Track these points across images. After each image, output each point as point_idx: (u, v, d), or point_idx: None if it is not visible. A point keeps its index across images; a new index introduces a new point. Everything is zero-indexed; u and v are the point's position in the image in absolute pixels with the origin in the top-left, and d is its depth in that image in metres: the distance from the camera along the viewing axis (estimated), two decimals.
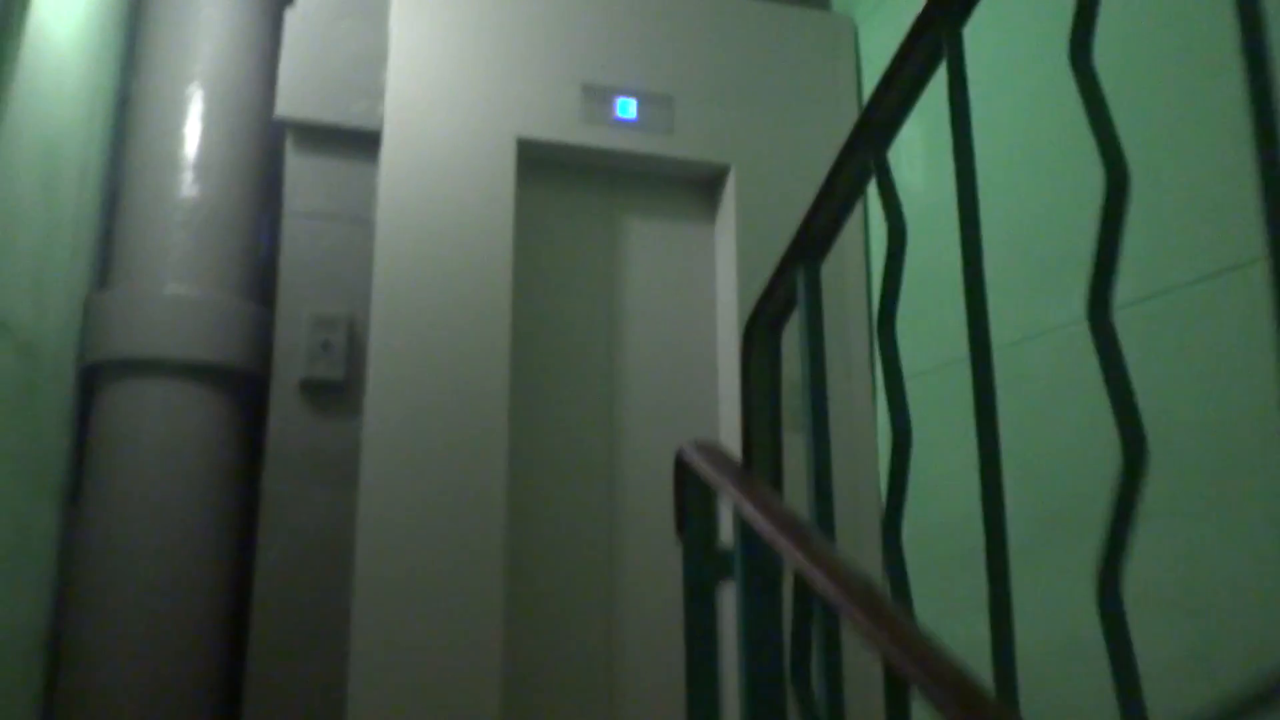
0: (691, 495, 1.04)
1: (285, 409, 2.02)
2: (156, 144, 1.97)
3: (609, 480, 2.16)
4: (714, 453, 0.98)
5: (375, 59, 2.19)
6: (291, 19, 2.15)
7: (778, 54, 2.48)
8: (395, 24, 2.18)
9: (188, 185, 1.96)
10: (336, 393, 2.05)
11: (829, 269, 2.24)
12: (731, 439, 2.16)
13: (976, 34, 1.72)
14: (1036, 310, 1.61)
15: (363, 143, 2.16)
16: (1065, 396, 1.51)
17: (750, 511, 0.85)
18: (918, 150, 2.22)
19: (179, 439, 1.83)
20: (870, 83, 2.45)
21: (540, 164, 2.34)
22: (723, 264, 2.41)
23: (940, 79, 0.91)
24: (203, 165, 1.97)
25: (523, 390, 2.18)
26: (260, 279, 2.08)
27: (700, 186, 2.48)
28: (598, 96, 2.30)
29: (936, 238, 1.97)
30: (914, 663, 0.58)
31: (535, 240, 2.30)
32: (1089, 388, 1.44)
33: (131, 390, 1.82)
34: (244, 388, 2.02)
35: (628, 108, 2.34)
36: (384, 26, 2.20)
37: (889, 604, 0.65)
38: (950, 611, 1.58)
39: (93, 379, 1.89)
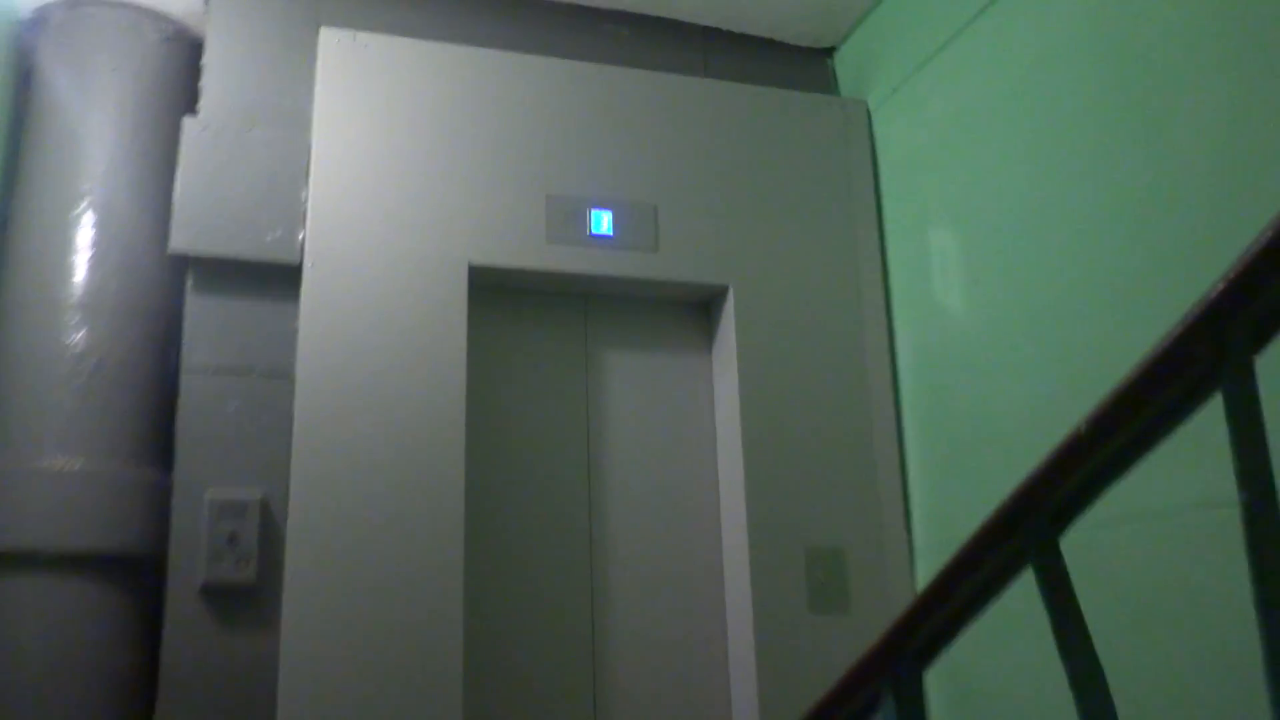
0: None
1: (182, 620, 1.94)
2: (36, 278, 1.94)
3: (592, 667, 2.16)
4: None
5: (293, 177, 2.17)
6: (190, 130, 2.10)
7: (780, 148, 2.51)
8: (318, 133, 2.16)
9: (73, 330, 1.94)
10: (246, 600, 1.98)
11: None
12: (741, 606, 2.18)
13: None
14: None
15: (279, 279, 2.13)
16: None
17: None
18: (953, 258, 2.25)
19: (60, 649, 1.78)
20: (888, 177, 2.49)
21: (499, 293, 2.34)
22: (723, 401, 2.41)
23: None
24: (91, 306, 1.94)
25: (482, 580, 2.15)
26: (163, 443, 2.05)
27: (692, 311, 2.50)
28: (566, 210, 2.32)
29: (981, 379, 2.06)
30: None
31: (495, 384, 2.29)
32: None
33: (1, 589, 1.76)
34: (144, 577, 1.95)
35: (602, 221, 2.35)
36: (304, 137, 2.18)
37: None
38: None
39: None
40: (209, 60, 2.18)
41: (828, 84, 2.68)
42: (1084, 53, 1.84)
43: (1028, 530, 0.79)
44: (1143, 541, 1.62)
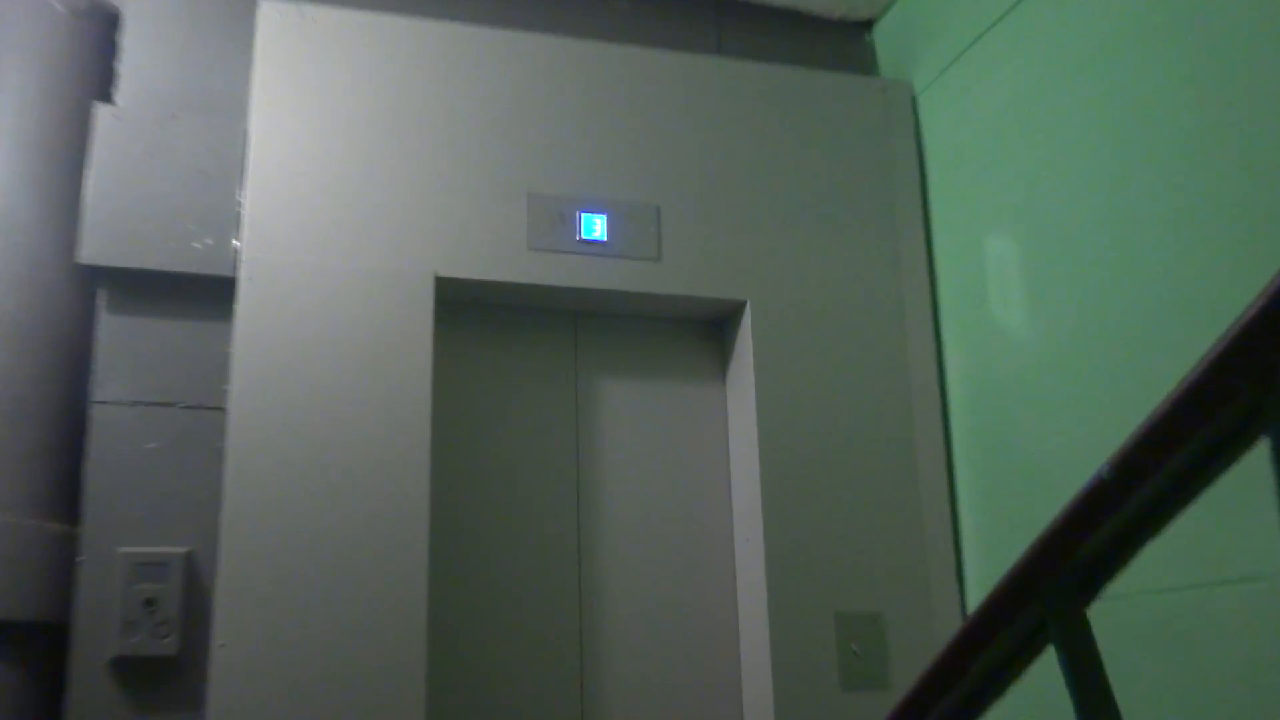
0: None
1: (88, 700, 1.93)
2: None
3: None
4: None
5: (227, 174, 2.17)
6: (104, 119, 2.08)
7: (808, 138, 2.55)
8: (257, 122, 2.17)
9: None
10: (165, 675, 1.98)
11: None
12: (759, 683, 2.20)
13: None
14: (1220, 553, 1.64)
15: (209, 295, 2.15)
16: None
17: None
18: (1013, 270, 2.26)
19: None
20: (936, 173, 2.51)
21: (472, 310, 2.37)
22: (739, 438, 2.44)
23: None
24: None
25: (450, 652, 2.16)
26: (68, 490, 2.06)
27: (701, 331, 2.53)
28: (551, 211, 2.34)
29: (1048, 414, 2.07)
30: None
31: (467, 418, 2.32)
32: None
33: None
34: (43, 649, 1.96)
35: (594, 225, 2.38)
36: (240, 126, 2.18)
37: None
38: None
39: None
40: (127, 38, 2.18)
41: (865, 63, 2.71)
42: (1169, 24, 1.82)
43: (1047, 596, 0.77)
44: (1243, 608, 1.64)
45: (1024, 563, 0.79)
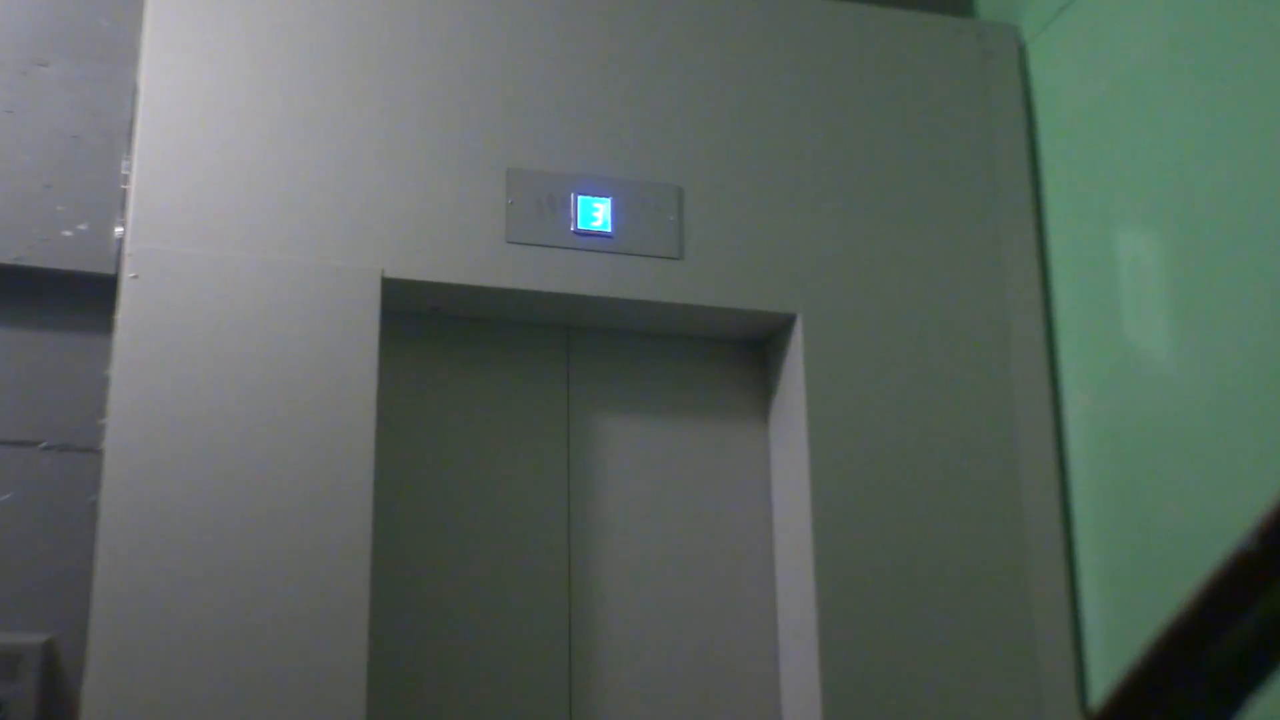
0: None
1: None
2: None
3: None
4: None
5: (109, 140, 2.20)
6: None
7: (881, 98, 2.60)
8: (150, 74, 2.21)
9: None
10: None
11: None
12: None
13: None
14: None
15: (82, 299, 2.17)
16: None
17: None
18: (1153, 274, 2.32)
19: None
20: (1050, 144, 2.57)
21: (431, 323, 2.43)
22: (785, 492, 2.50)
23: None
24: None
25: None
26: None
27: (737, 354, 2.59)
28: (538, 193, 2.39)
29: (1201, 468, 2.10)
30: None
31: (423, 461, 2.37)
32: None
33: None
34: None
35: (595, 212, 2.42)
36: (126, 79, 2.23)
37: None
38: None
39: None
40: None
41: (959, 0, 2.77)
42: None
43: (1175, 710, 0.78)
44: None
45: (1143, 665, 0.80)
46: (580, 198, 2.42)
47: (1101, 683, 2.34)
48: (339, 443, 2.15)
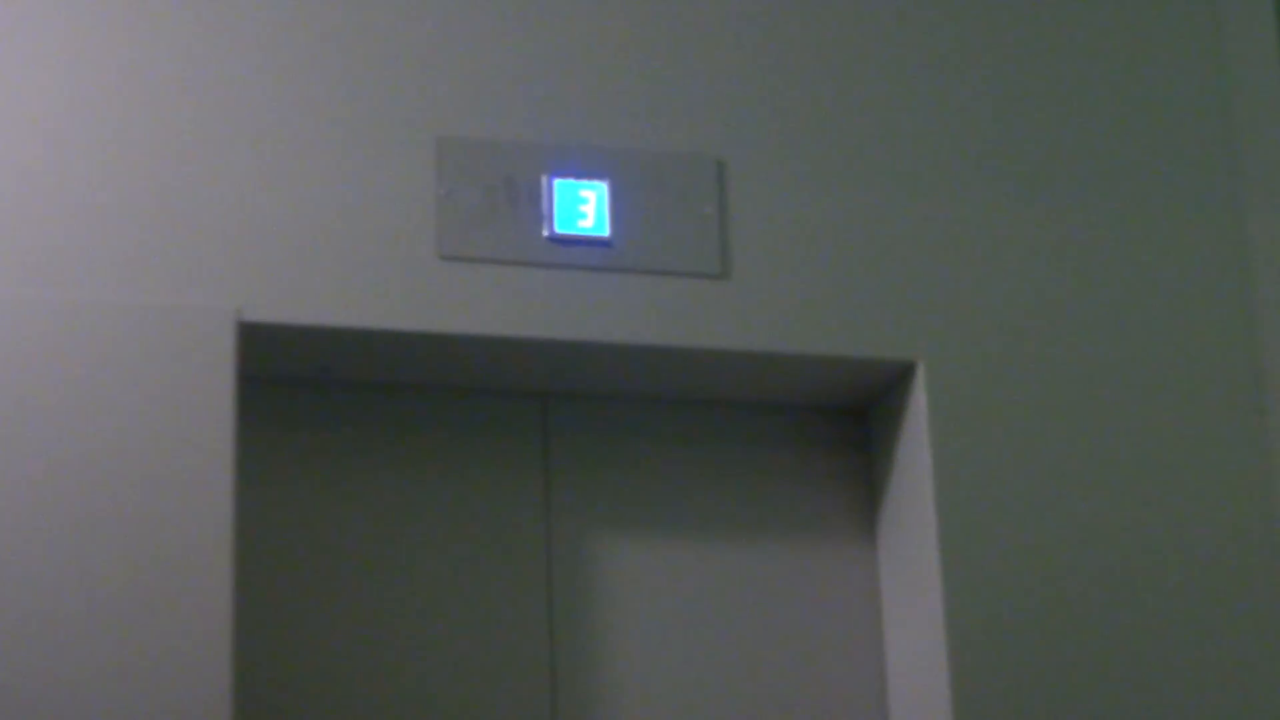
0: None
1: None
2: None
3: None
4: None
5: None
6: None
7: (1046, 29, 2.42)
8: None
9: None
10: None
11: None
12: None
13: None
14: None
15: None
16: None
17: None
18: None
19: None
20: (1255, 123, 2.48)
21: (321, 393, 2.22)
22: (903, 616, 2.25)
23: None
24: None
25: None
26: None
27: (821, 425, 2.37)
28: (489, 176, 2.11)
29: None
30: None
31: (310, 597, 2.17)
32: None
33: None
34: None
35: (581, 205, 2.11)
36: None
37: None
38: None
39: None
40: None
41: None
42: None
43: None
44: None
45: None
46: (558, 181, 2.10)
47: None
48: (180, 547, 1.96)
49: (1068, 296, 2.29)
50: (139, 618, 1.92)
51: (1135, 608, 2.21)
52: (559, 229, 2.07)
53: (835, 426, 2.34)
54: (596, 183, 2.09)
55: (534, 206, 2.07)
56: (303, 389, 2.16)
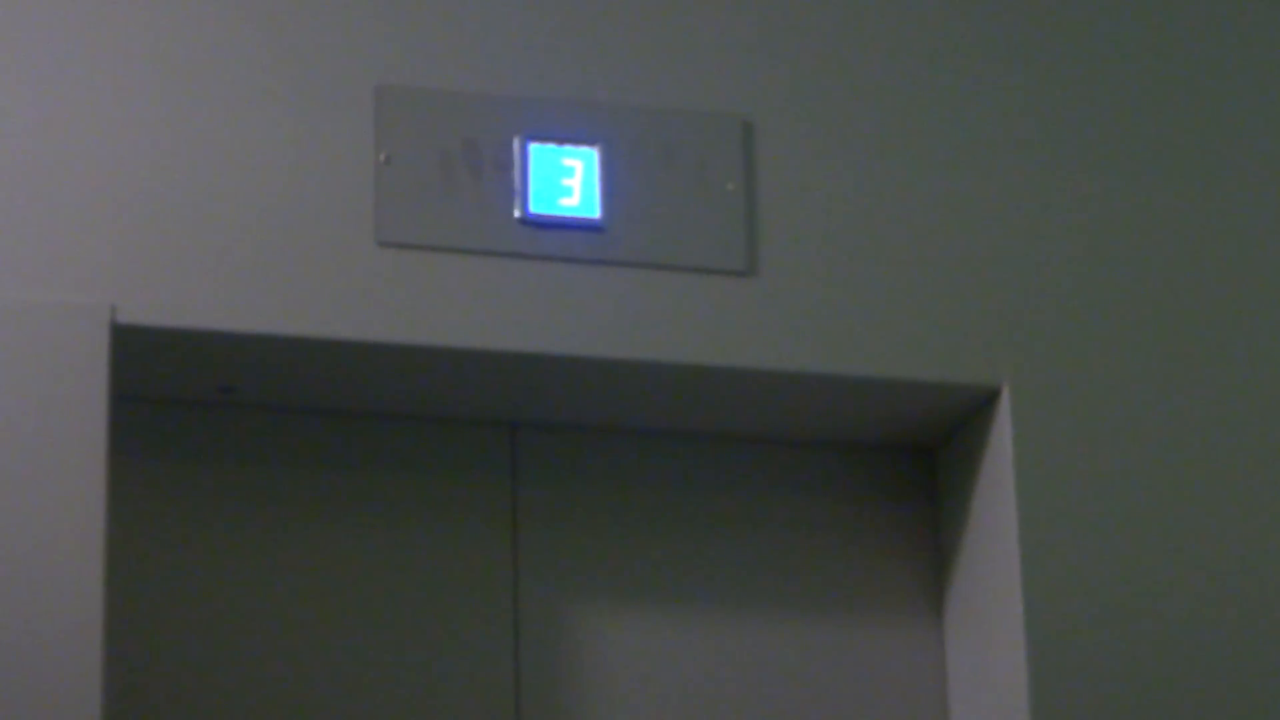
0: None
1: None
2: None
3: None
4: None
5: None
6: None
7: None
8: None
9: None
10: None
11: None
12: None
13: None
14: None
15: None
16: None
17: None
18: None
19: None
20: None
21: (223, 419, 2.05)
22: (974, 707, 2.09)
23: None
24: None
25: None
26: None
27: (878, 466, 2.22)
28: (443, 139, 1.92)
29: None
30: None
31: (215, 664, 1.99)
32: None
33: None
34: None
35: (565, 178, 1.93)
36: None
37: None
38: None
39: None
40: None
41: None
42: None
43: None
44: None
45: None
46: (534, 146, 1.89)
47: None
48: (49, 600, 1.75)
49: (1191, 304, 2.09)
50: None
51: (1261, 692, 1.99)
52: (535, 208, 1.85)
53: (893, 468, 2.15)
54: (584, 149, 1.89)
55: (503, 179, 1.86)
56: (197, 411, 1.93)
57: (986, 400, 1.96)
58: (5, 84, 1.84)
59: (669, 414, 2.02)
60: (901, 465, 2.13)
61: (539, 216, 1.82)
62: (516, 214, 1.81)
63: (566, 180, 1.85)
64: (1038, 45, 2.17)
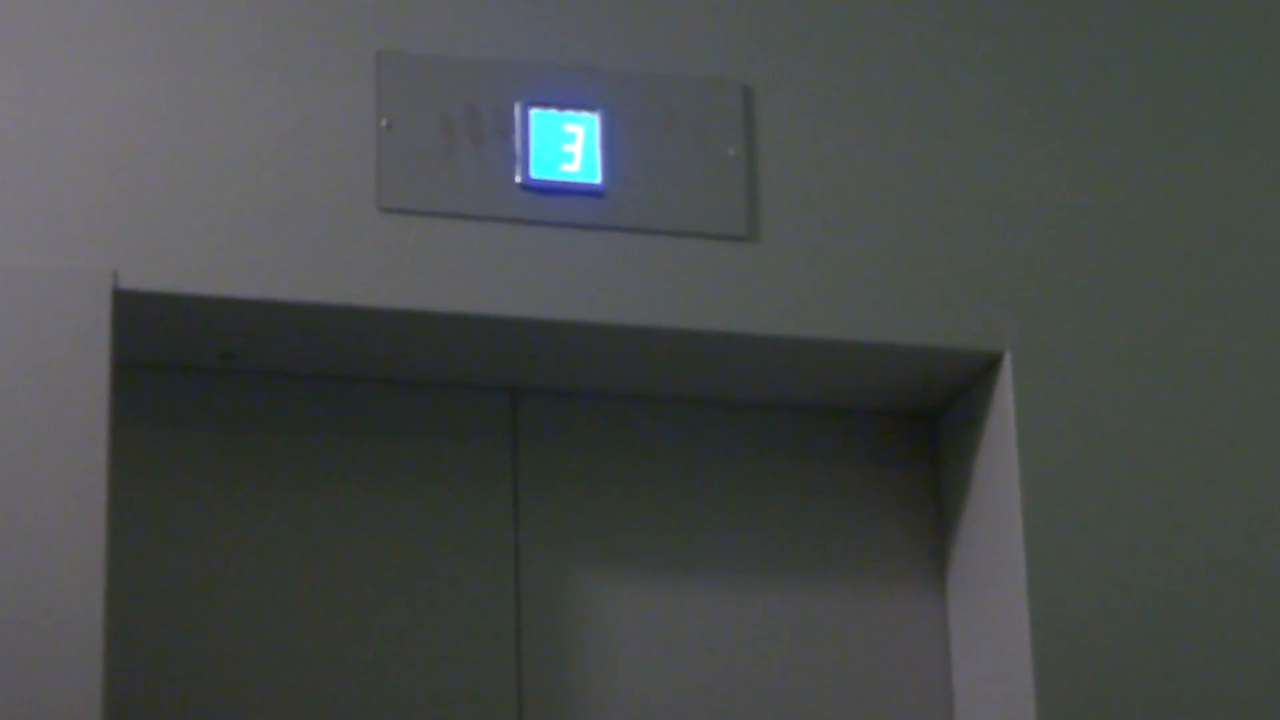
0: None
1: None
2: None
3: None
4: None
5: None
6: None
7: None
8: None
9: None
10: None
11: None
12: None
13: None
14: None
15: None
16: None
17: None
18: None
19: None
20: None
21: (226, 387, 2.05)
22: (976, 680, 2.10)
23: None
24: None
25: None
26: None
27: (874, 429, 2.23)
28: (444, 104, 1.93)
29: None
30: None
31: (215, 633, 2.00)
32: None
33: None
34: None
35: (565, 144, 1.95)
36: None
37: None
38: None
39: None
40: None
41: None
42: None
43: None
44: None
45: None
46: (535, 112, 1.91)
47: None
48: (51, 578, 1.76)
49: (1194, 269, 2.09)
50: None
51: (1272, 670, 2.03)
52: (536, 174, 1.86)
53: (895, 433, 2.16)
54: (585, 114, 1.90)
55: (504, 145, 1.87)
56: (198, 377, 1.94)
57: (988, 366, 1.96)
58: (5, 51, 1.84)
59: (670, 379, 2.02)
60: (904, 431, 2.13)
61: (540, 182, 1.84)
62: (518, 179, 1.83)
63: (567, 146, 1.87)
64: (1044, 9, 2.16)
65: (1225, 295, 2.11)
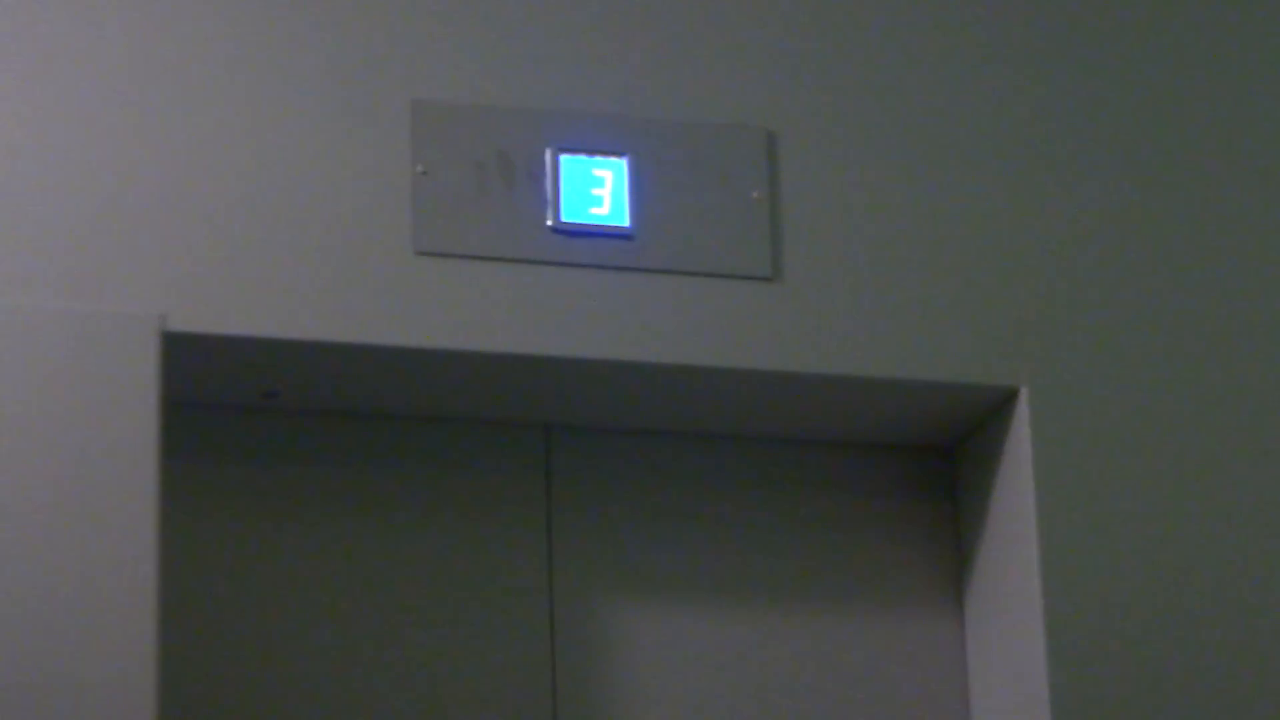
0: None
1: None
2: None
3: None
4: None
5: None
6: None
7: None
8: None
9: None
10: None
11: None
12: None
13: None
14: None
15: None
16: None
17: None
18: None
19: None
20: None
21: (269, 422, 2.10)
22: (994, 713, 2.12)
23: None
24: None
25: None
26: None
27: (893, 463, 2.26)
28: (477, 151, 1.97)
29: None
30: None
31: (250, 667, 2.05)
32: None
33: None
34: None
35: (594, 188, 1.99)
36: None
37: None
38: None
39: None
40: None
41: None
42: None
43: None
44: None
45: None
46: (565, 158, 1.96)
47: None
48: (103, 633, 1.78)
49: (1208, 306, 2.12)
50: (45, 679, 1.74)
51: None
52: (566, 217, 1.90)
53: (914, 467, 2.20)
54: (614, 159, 1.94)
55: (535, 189, 1.92)
56: (243, 416, 1.99)
57: (1005, 401, 2.00)
58: (55, 95, 1.90)
59: (697, 416, 2.06)
60: (922, 464, 2.16)
61: (570, 225, 1.88)
62: (549, 223, 1.87)
63: (596, 190, 1.91)
64: (1059, 53, 2.20)
65: (1239, 330, 2.14)
